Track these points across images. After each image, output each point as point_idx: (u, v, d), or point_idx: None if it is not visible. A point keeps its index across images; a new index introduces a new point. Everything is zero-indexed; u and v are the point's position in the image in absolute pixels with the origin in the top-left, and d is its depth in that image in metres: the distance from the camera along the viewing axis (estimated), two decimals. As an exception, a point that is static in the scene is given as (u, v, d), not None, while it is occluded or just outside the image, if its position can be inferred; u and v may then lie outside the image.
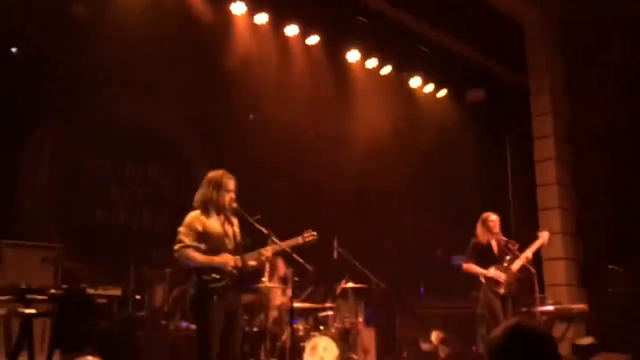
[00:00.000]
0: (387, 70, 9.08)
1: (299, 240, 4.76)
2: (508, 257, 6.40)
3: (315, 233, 4.84)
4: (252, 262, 4.47)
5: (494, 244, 6.48)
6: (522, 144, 9.91)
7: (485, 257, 6.41)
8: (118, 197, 8.98)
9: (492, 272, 6.27)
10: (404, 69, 9.35)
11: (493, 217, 6.52)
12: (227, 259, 4.25)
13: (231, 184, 4.42)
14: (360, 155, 9.81)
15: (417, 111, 9.82)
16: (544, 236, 6.69)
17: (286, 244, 4.65)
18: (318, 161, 9.89)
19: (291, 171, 9.74)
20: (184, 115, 9.65)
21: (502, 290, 6.20)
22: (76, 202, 8.49)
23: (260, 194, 8.29)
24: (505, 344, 1.83)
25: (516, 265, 6.38)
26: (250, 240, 4.56)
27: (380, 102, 9.44)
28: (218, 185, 4.38)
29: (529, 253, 6.44)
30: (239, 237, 4.48)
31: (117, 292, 3.44)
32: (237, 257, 4.34)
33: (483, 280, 6.30)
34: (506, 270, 6.32)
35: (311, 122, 9.90)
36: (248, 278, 5.12)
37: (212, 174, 4.48)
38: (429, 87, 9.65)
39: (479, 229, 6.55)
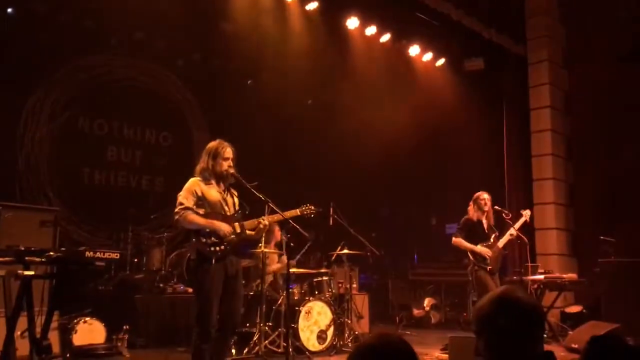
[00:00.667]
0: (386, 37, 9.03)
1: (297, 212, 4.82)
2: (495, 235, 6.63)
3: (313, 207, 4.90)
4: (249, 231, 4.52)
5: (484, 221, 6.67)
6: (519, 114, 9.93)
7: (475, 233, 6.61)
8: (116, 159, 9.00)
9: (479, 248, 6.47)
10: (403, 37, 9.28)
11: (484, 196, 6.69)
12: (224, 226, 4.30)
13: (228, 151, 4.45)
14: (357, 123, 9.82)
15: (415, 80, 9.79)
16: (526, 214, 6.89)
17: (284, 214, 4.71)
18: (315, 129, 9.90)
19: (288, 139, 9.76)
20: (182, 78, 9.62)
21: (488, 267, 6.39)
22: (74, 165, 8.52)
23: (257, 160, 8.33)
24: (491, 313, 1.90)
25: (502, 242, 6.61)
26: (249, 210, 4.60)
27: (379, 70, 9.40)
28: (215, 154, 4.42)
29: (512, 231, 6.66)
30: (237, 206, 4.53)
31: (115, 255, 3.49)
32: (236, 224, 4.39)
33: (471, 256, 6.46)
34: (492, 247, 6.53)
35: (309, 89, 9.88)
36: (245, 243, 5.18)
37: (209, 144, 4.51)
38: (428, 56, 9.61)
39: (471, 207, 6.74)
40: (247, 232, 4.49)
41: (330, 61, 9.16)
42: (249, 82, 9.78)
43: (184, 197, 4.28)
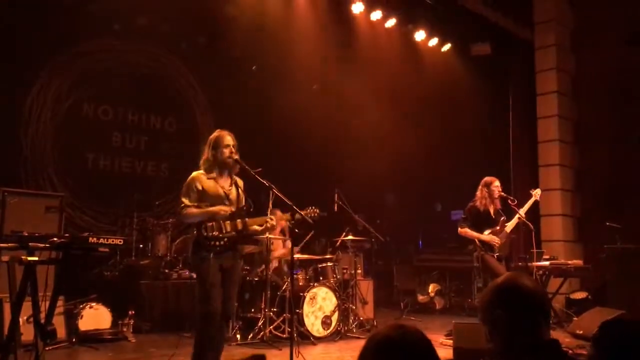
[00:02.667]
0: (391, 22, 8.95)
1: (302, 213, 4.81)
2: (502, 219, 6.56)
3: (318, 210, 4.91)
4: (255, 227, 4.54)
5: (491, 209, 6.60)
6: (525, 99, 9.86)
7: (482, 220, 6.56)
8: (121, 145, 9.00)
9: (486, 236, 6.44)
10: (408, 22, 9.21)
11: (497, 183, 6.60)
12: (220, 207, 4.30)
13: (228, 138, 4.44)
14: (363, 109, 9.78)
15: (421, 65, 9.72)
16: (536, 194, 6.81)
17: (287, 216, 4.81)
18: (320, 114, 9.86)
19: (293, 124, 9.72)
20: (187, 63, 9.59)
21: (496, 254, 6.39)
22: (79, 151, 8.52)
23: (262, 146, 8.32)
24: (491, 303, 1.89)
25: (510, 227, 6.56)
26: (253, 207, 4.59)
27: (385, 55, 9.34)
28: (215, 144, 4.42)
29: (522, 212, 6.60)
30: (242, 201, 4.52)
31: (119, 241, 3.48)
32: (238, 221, 4.39)
33: (478, 243, 6.44)
34: (500, 232, 6.49)
35: (314, 74, 9.82)
36: (246, 240, 5.26)
37: (210, 136, 4.52)
38: (434, 41, 9.52)
39: (480, 193, 6.63)
40: (255, 227, 4.51)
41: (336, 46, 9.10)
42: (253, 67, 9.73)
43: (184, 195, 4.32)
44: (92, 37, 8.49)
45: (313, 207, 4.90)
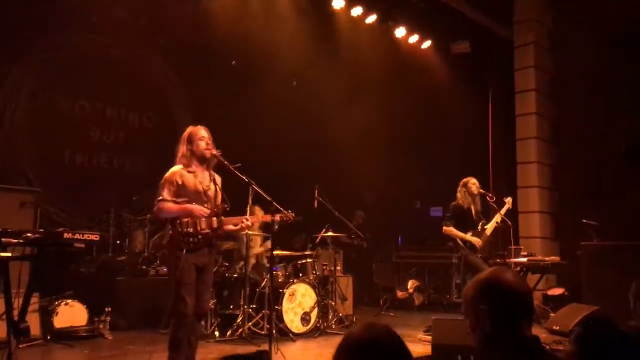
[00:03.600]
0: (372, 19, 8.94)
1: (277, 218, 4.76)
2: (482, 222, 6.81)
3: (293, 215, 4.86)
4: (230, 226, 4.50)
5: (473, 207, 6.79)
6: (504, 97, 9.93)
7: (465, 220, 6.75)
8: (98, 140, 8.88)
9: (470, 237, 6.65)
10: (389, 18, 9.20)
11: (473, 180, 6.87)
12: (197, 207, 4.25)
13: (202, 131, 4.40)
14: (343, 105, 9.76)
15: (401, 62, 9.73)
16: (509, 201, 7.05)
17: (263, 218, 4.81)
18: (300, 110, 9.84)
19: (273, 120, 9.68)
20: (166, 58, 9.48)
21: (479, 254, 6.58)
22: (56, 146, 8.39)
23: (241, 142, 8.26)
24: (473, 297, 1.88)
25: (489, 229, 6.80)
26: (230, 205, 4.55)
27: (365, 52, 9.33)
28: (190, 138, 4.39)
29: (497, 218, 6.84)
30: (220, 199, 4.48)
31: (95, 237, 3.42)
32: (214, 219, 4.34)
33: (461, 243, 6.60)
34: (481, 234, 6.70)
35: (294, 70, 9.78)
36: (221, 238, 5.22)
37: (183, 133, 4.47)
38: (414, 38, 9.54)
39: (460, 193, 6.84)
40: (230, 226, 4.47)
41: (316, 42, 9.07)
42: (233, 62, 9.66)
43: (163, 188, 4.25)
44: (69, 30, 8.35)
45: (289, 211, 4.85)
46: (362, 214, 10.13)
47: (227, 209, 4.47)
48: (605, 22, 8.88)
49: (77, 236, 3.24)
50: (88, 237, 3.34)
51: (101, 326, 6.19)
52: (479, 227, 6.73)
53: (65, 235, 3.22)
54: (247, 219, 4.55)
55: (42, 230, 3.43)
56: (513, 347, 1.77)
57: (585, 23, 9.25)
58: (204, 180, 4.39)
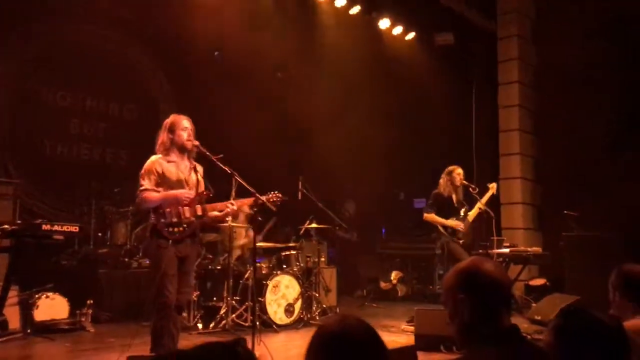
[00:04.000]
0: (356, 10, 8.90)
1: (263, 199, 4.72)
2: (465, 209, 6.79)
3: (280, 195, 4.83)
4: (215, 213, 4.45)
5: (454, 196, 6.79)
6: (488, 89, 9.96)
7: (446, 207, 6.74)
8: (79, 132, 8.77)
9: (451, 221, 6.63)
10: (373, 9, 9.17)
11: (459, 171, 6.83)
12: (181, 192, 4.21)
13: (185, 122, 4.35)
14: (326, 96, 9.73)
15: (385, 53, 9.71)
16: (492, 187, 7.04)
17: (248, 201, 4.67)
18: (283, 102, 9.79)
19: (256, 112, 9.63)
20: (148, 48, 9.38)
21: (461, 240, 6.54)
22: (36, 137, 8.27)
23: (224, 133, 8.21)
24: (453, 285, 1.88)
25: (471, 216, 6.78)
26: (213, 192, 4.51)
27: (349, 43, 9.30)
28: (171, 127, 4.33)
29: (480, 204, 6.81)
30: (202, 187, 4.44)
31: (74, 228, 3.38)
32: (198, 207, 4.31)
33: (442, 229, 6.55)
34: (463, 220, 6.68)
35: (277, 62, 9.73)
36: (206, 226, 5.16)
37: (165, 121, 4.41)
38: (398, 29, 9.52)
39: (443, 181, 6.82)
40: (215, 213, 4.43)
41: (299, 33, 9.02)
42: (216, 53, 9.57)
43: (144, 178, 4.20)
44: (50, 20, 8.22)
45: (275, 192, 4.82)
46: (352, 203, 10.14)
47: (210, 195, 4.44)
48: (587, 14, 8.93)
49: (56, 228, 3.21)
50: (67, 228, 3.30)
51: (83, 319, 6.13)
52: (462, 213, 6.71)
53: (44, 227, 3.18)
54: (232, 203, 4.49)
55: (19, 222, 3.37)
56: (492, 337, 1.77)
57: (568, 16, 9.31)
58: (184, 169, 4.35)
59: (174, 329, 4.23)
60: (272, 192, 4.79)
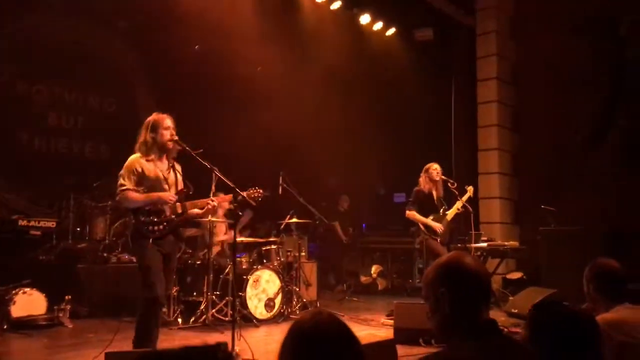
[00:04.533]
0: (337, 5, 8.91)
1: (243, 194, 4.74)
2: (444, 208, 6.90)
3: (261, 191, 4.85)
4: (195, 210, 4.45)
5: (434, 193, 6.88)
6: (467, 85, 10.04)
7: (426, 205, 6.83)
8: (57, 125, 8.66)
9: (431, 222, 6.72)
10: (354, 5, 9.19)
11: (435, 166, 6.94)
12: (165, 194, 4.21)
13: (167, 121, 4.33)
14: (306, 92, 9.72)
15: (366, 49, 9.74)
16: (470, 189, 7.18)
17: (228, 197, 4.69)
18: (264, 96, 9.75)
19: (237, 106, 9.59)
20: (127, 41, 9.28)
21: (439, 239, 6.67)
22: (12, 131, 8.16)
23: (204, 128, 8.18)
24: (433, 280, 1.91)
25: (450, 215, 6.89)
26: (193, 189, 4.50)
27: (329, 39, 9.29)
28: (154, 126, 4.30)
29: (459, 205, 6.94)
30: (181, 185, 4.43)
31: (52, 223, 3.36)
32: (178, 204, 4.31)
33: (422, 227, 6.67)
34: (442, 219, 6.79)
35: (258, 56, 9.68)
36: (187, 224, 5.15)
37: (147, 119, 4.38)
38: (378, 25, 9.55)
39: (422, 178, 6.93)
40: (195, 210, 4.43)
41: (280, 28, 8.99)
42: (196, 47, 9.50)
43: (125, 177, 4.18)
44: (27, 12, 8.09)
45: (256, 188, 4.85)
46: (347, 198, 10.14)
47: (190, 192, 4.44)
48: (564, 11, 9.04)
49: (33, 223, 3.18)
50: (45, 224, 3.27)
51: (61, 315, 6.07)
52: (440, 212, 6.82)
53: (21, 222, 3.15)
54: (212, 200, 4.51)
55: (-4, 217, 3.33)
56: (471, 330, 1.80)
57: (546, 12, 9.41)
58: (163, 168, 4.34)
59: (154, 323, 4.23)
60: (252, 188, 4.82)
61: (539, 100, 9.61)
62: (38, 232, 3.21)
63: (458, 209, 6.90)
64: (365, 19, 9.34)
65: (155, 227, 4.18)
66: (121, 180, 4.19)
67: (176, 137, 4.32)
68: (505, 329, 5.58)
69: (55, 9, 8.28)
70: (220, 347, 1.40)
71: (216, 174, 4.59)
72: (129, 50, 9.36)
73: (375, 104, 10.19)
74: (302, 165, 9.31)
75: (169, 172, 4.37)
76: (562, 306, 2.19)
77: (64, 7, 8.28)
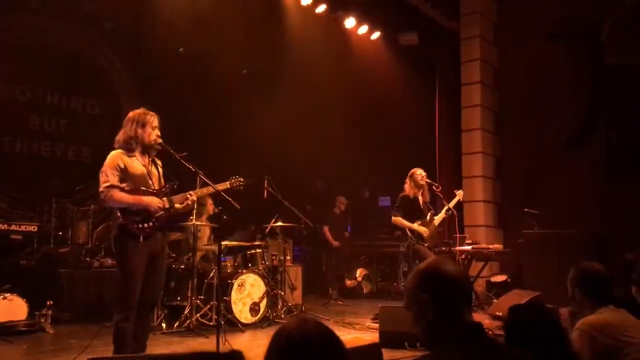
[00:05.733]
0: (322, 8, 8.92)
1: (226, 184, 4.75)
2: (431, 213, 6.93)
3: (242, 179, 4.84)
4: (178, 205, 4.39)
5: (420, 198, 6.90)
6: (451, 89, 10.10)
7: (412, 210, 6.84)
8: (39, 128, 8.56)
9: (418, 227, 6.73)
10: (339, 8, 9.20)
11: (420, 171, 6.94)
12: (153, 200, 4.16)
13: (155, 120, 4.27)
14: (292, 95, 9.71)
15: (350, 52, 9.76)
16: (459, 194, 7.22)
17: (214, 187, 4.61)
18: (249, 99, 9.73)
19: (221, 109, 9.56)
20: (111, 44, 9.21)
21: (425, 244, 6.71)
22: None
23: (188, 131, 8.14)
24: (414, 287, 1.92)
25: (437, 220, 6.94)
26: (177, 184, 4.45)
27: (314, 42, 9.30)
28: (142, 123, 4.21)
29: (447, 209, 6.96)
30: (162, 180, 4.39)
31: (33, 227, 3.30)
32: (165, 199, 4.25)
33: (409, 232, 6.70)
34: (429, 224, 6.82)
35: (243, 59, 9.68)
36: (176, 217, 5.07)
37: (133, 112, 4.30)
38: (363, 29, 9.57)
39: (407, 184, 6.94)
40: (177, 206, 4.37)
41: (266, 31, 8.99)
42: (180, 50, 9.45)
43: (108, 174, 4.05)
44: (8, 12, 7.99)
45: (236, 177, 4.83)
46: (343, 199, 10.05)
47: (175, 186, 4.39)
48: (546, 16, 9.15)
49: (13, 227, 3.12)
50: (25, 228, 3.22)
51: (42, 320, 5.98)
52: (427, 217, 6.84)
53: (1, 226, 3.09)
54: (190, 194, 4.40)
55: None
56: (456, 334, 1.80)
57: (528, 17, 9.52)
58: (145, 162, 4.27)
59: (143, 328, 4.17)
60: (233, 177, 4.81)
61: (522, 104, 9.71)
62: (19, 236, 3.16)
63: (446, 213, 6.93)
64: (350, 22, 9.36)
65: (145, 225, 4.10)
66: (104, 177, 4.05)
67: (160, 140, 4.28)
68: (490, 332, 5.61)
69: (39, 11, 8.20)
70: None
71: (200, 177, 4.55)
72: (113, 52, 9.29)
73: (359, 108, 10.21)
74: (288, 169, 9.30)
75: (151, 167, 4.31)
76: (532, 308, 2.36)
77: (48, 9, 8.20)
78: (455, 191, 7.23)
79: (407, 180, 6.94)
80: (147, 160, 4.29)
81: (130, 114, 4.28)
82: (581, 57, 8.84)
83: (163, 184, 4.34)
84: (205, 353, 1.35)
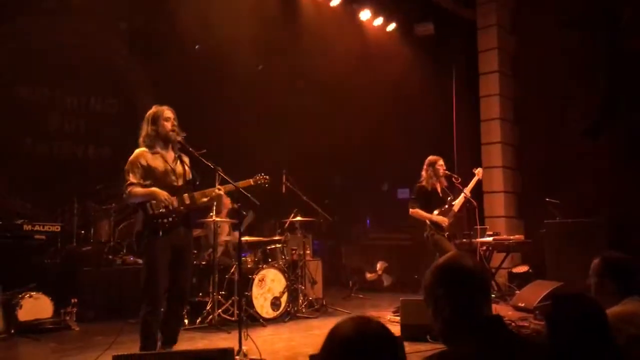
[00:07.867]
0: (336, 2, 8.89)
1: (250, 182, 4.80)
2: (450, 198, 6.78)
3: (267, 177, 4.88)
4: (203, 199, 4.45)
5: (438, 187, 6.78)
6: (468, 79, 10.02)
7: (431, 200, 6.71)
8: (59, 128, 8.67)
9: (436, 217, 6.60)
10: (353, 1, 9.17)
11: (441, 162, 6.78)
12: (163, 193, 4.19)
13: (167, 112, 4.34)
14: (308, 89, 9.71)
15: (366, 44, 9.71)
16: (479, 172, 7.06)
17: (237, 184, 4.65)
18: (266, 95, 9.74)
19: (238, 105, 9.57)
20: (127, 43, 9.27)
21: (446, 233, 6.58)
22: (15, 135, 8.16)
23: (206, 127, 8.17)
24: (431, 283, 1.91)
25: (457, 206, 6.78)
26: (200, 181, 4.51)
27: (330, 35, 9.27)
28: (154, 118, 4.31)
29: (466, 191, 6.81)
30: (189, 175, 4.43)
31: (56, 227, 3.36)
32: (185, 195, 4.31)
33: (428, 223, 6.60)
34: (448, 212, 6.68)
35: (259, 54, 9.68)
36: (195, 214, 5.13)
37: (147, 113, 4.39)
38: (379, 20, 9.52)
39: (426, 173, 6.77)
40: (203, 199, 4.43)
41: (280, 26, 8.97)
42: (196, 47, 9.48)
43: (129, 172, 4.18)
44: (27, 16, 8.09)
45: (262, 174, 4.88)
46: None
47: (197, 183, 4.44)
48: (564, 4, 9.01)
49: (37, 227, 3.17)
50: (49, 228, 3.27)
51: (67, 318, 6.08)
52: (447, 204, 6.72)
53: (25, 227, 3.14)
54: (219, 189, 4.52)
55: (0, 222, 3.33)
56: (475, 328, 1.79)
57: (546, 5, 9.37)
58: (170, 160, 4.33)
59: (173, 321, 4.23)
60: (259, 174, 4.86)
61: (540, 92, 9.59)
62: (43, 236, 3.21)
63: (465, 195, 6.74)
64: (365, 14, 9.32)
65: (165, 220, 4.16)
66: (126, 176, 4.19)
67: (179, 137, 4.32)
68: (513, 324, 5.57)
69: (56, 12, 8.28)
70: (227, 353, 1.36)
71: (219, 174, 4.59)
72: (129, 51, 9.35)
73: (376, 100, 10.15)
74: (306, 163, 9.30)
75: (176, 164, 4.37)
76: (578, 299, 2.21)
77: (64, 10, 8.28)
78: (474, 170, 7.06)
79: (427, 168, 6.75)
80: (172, 157, 4.34)
81: (146, 115, 4.36)
82: (600, 42, 8.70)
83: (188, 179, 4.40)
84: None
